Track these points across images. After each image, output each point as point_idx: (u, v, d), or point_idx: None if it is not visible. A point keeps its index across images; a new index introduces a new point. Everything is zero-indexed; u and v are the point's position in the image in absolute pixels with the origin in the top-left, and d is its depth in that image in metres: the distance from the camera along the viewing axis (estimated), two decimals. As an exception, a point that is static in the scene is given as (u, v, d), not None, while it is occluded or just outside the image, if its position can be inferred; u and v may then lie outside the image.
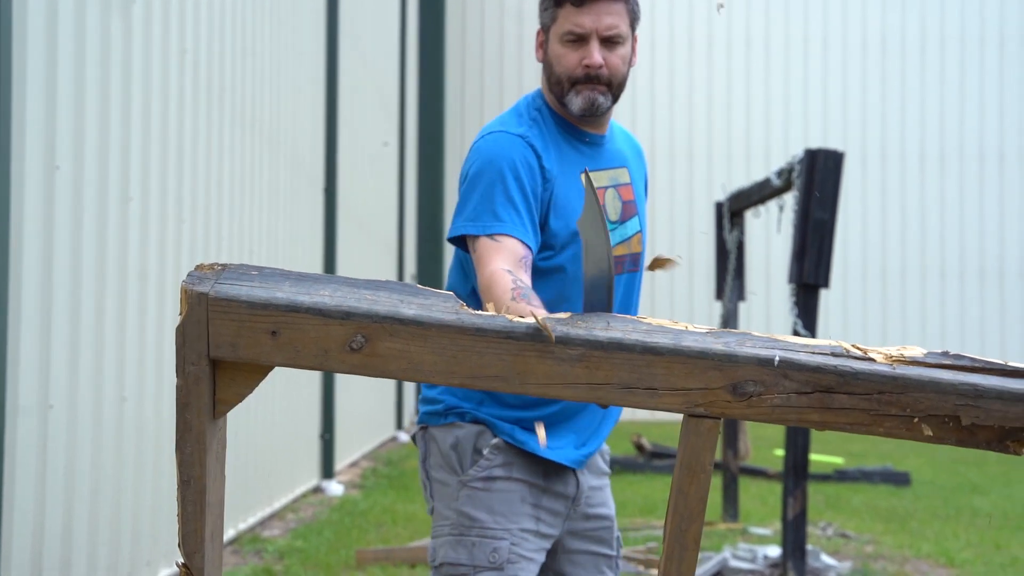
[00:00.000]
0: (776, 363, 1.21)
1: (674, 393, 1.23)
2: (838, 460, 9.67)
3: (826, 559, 5.71)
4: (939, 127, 16.57)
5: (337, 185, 8.99)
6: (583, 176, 1.70)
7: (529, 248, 2.36)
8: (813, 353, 1.22)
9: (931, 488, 8.98)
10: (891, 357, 1.22)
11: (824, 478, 9.06)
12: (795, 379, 1.21)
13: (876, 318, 16.13)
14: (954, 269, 16.40)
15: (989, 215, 16.48)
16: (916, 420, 1.21)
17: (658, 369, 1.23)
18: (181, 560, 1.33)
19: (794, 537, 5.28)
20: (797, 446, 5.34)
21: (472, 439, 2.48)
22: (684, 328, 1.25)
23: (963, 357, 1.21)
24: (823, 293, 5.45)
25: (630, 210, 2.61)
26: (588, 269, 1.49)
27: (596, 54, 2.45)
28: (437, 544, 2.46)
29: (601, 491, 2.65)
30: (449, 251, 16.40)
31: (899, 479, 9.12)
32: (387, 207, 12.51)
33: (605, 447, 2.72)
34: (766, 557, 5.71)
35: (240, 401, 1.25)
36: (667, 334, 1.24)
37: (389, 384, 12.78)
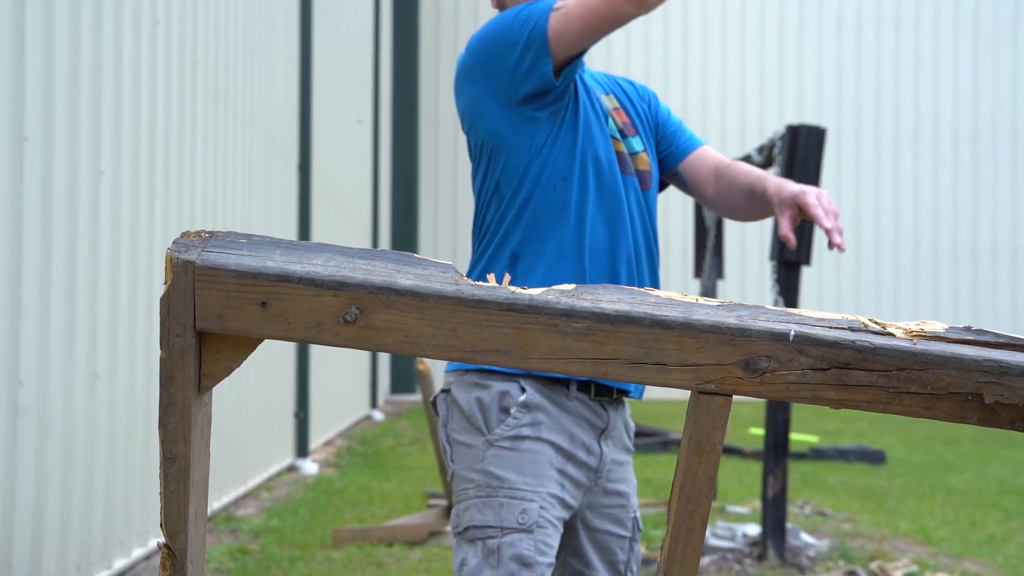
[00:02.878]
0: (791, 338, 1.16)
1: (684, 369, 1.18)
2: (813, 439, 9.69)
3: (805, 537, 5.70)
4: (914, 107, 16.60)
5: (311, 161, 8.90)
6: None
7: None
8: (829, 328, 1.17)
9: (906, 466, 9.00)
10: (911, 332, 1.16)
11: (800, 456, 9.07)
12: (811, 355, 1.16)
13: (849, 296, 16.18)
14: (928, 248, 16.46)
15: (962, 194, 16.54)
16: (936, 398, 1.16)
17: (668, 343, 1.17)
18: (163, 540, 1.26)
19: (774, 515, 5.26)
20: (777, 424, 5.32)
21: (497, 399, 2.37)
22: (694, 301, 1.19)
23: (986, 332, 1.16)
24: (803, 271, 5.43)
25: (630, 129, 2.55)
26: None
27: None
28: (461, 509, 2.35)
29: (622, 467, 2.55)
30: (424, 229, 16.36)
31: (874, 457, 9.15)
32: (361, 184, 12.43)
33: (630, 423, 2.62)
34: (745, 535, 5.69)
35: (227, 375, 1.18)
36: (677, 307, 1.18)
37: (364, 362, 12.73)
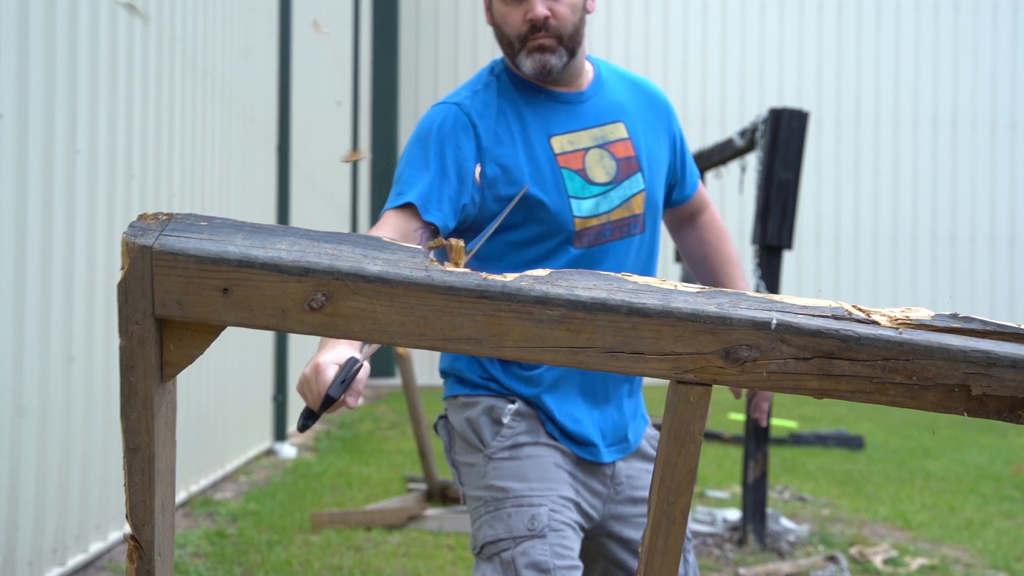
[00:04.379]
0: (773, 326, 1.12)
1: (662, 358, 1.14)
2: (792, 424, 9.69)
3: (785, 522, 5.69)
4: (894, 92, 16.59)
5: (290, 143, 8.83)
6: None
7: (424, 219, 2.21)
8: (812, 315, 1.13)
9: (884, 452, 9.02)
10: (896, 320, 1.13)
11: (779, 442, 9.07)
12: (793, 344, 1.12)
13: (829, 280, 16.19)
14: (907, 234, 16.48)
15: (942, 180, 16.56)
16: (922, 388, 1.13)
17: (646, 332, 1.13)
18: (129, 532, 1.23)
19: (754, 500, 5.25)
20: (757, 410, 5.30)
21: (486, 412, 2.30)
22: (673, 287, 1.16)
23: (973, 320, 1.13)
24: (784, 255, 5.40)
25: (629, 167, 2.37)
26: None
27: (539, 6, 2.26)
28: (475, 529, 2.28)
29: (650, 475, 2.43)
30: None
31: (853, 443, 9.15)
32: (340, 166, 12.35)
33: (653, 432, 2.52)
34: (725, 520, 5.67)
35: (190, 363, 1.14)
36: (655, 294, 1.14)
37: (343, 345, 12.65)
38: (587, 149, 2.35)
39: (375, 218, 14.94)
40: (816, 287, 15.91)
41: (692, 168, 2.61)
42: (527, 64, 2.30)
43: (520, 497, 2.22)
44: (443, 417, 2.44)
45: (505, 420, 2.29)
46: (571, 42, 2.32)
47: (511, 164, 2.29)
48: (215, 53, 6.71)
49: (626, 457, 2.41)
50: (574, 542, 2.23)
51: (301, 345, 9.37)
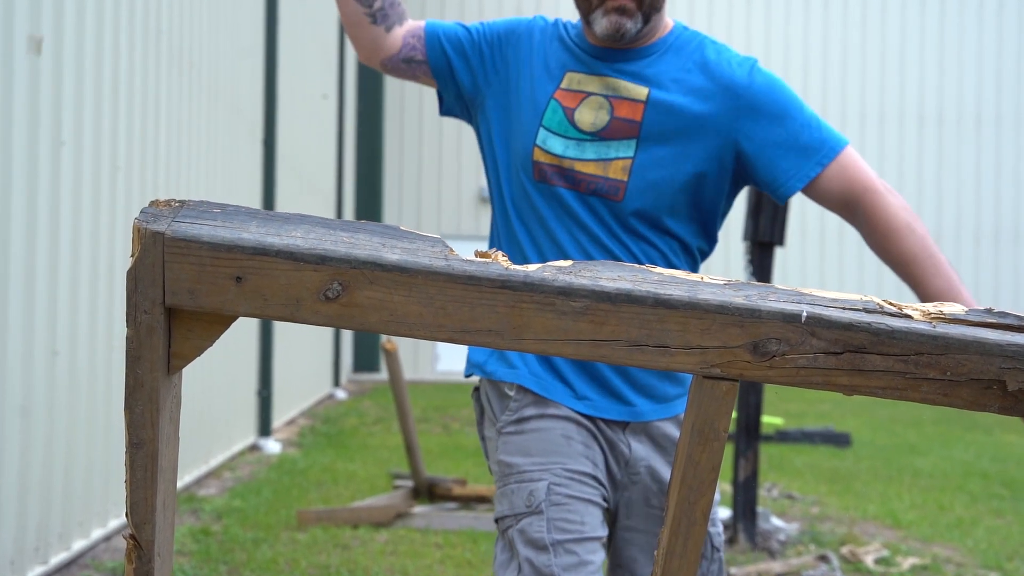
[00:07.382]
0: (803, 319, 1.08)
1: (688, 352, 1.10)
2: (779, 421, 9.68)
3: (775, 521, 5.66)
4: (879, 88, 16.61)
5: (276, 136, 8.77)
6: None
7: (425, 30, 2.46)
8: (843, 309, 1.10)
9: (871, 449, 9.01)
10: (929, 314, 1.09)
11: (766, 439, 9.07)
12: (824, 337, 1.09)
13: (814, 276, 16.20)
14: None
15: (927, 176, 16.59)
16: (956, 384, 1.09)
17: (671, 324, 1.09)
18: (129, 532, 1.18)
19: (745, 499, 5.22)
20: (749, 407, 5.28)
21: (493, 385, 2.25)
22: (700, 279, 1.12)
23: (1008, 315, 1.10)
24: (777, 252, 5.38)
25: (623, 129, 2.20)
26: None
27: None
28: (495, 503, 2.23)
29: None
30: (388, 206, 16.22)
31: (840, 440, 9.16)
32: (326, 160, 12.30)
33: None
34: (714, 518, 5.64)
35: (198, 355, 1.10)
36: (681, 286, 1.10)
37: (327, 341, 12.62)
38: (590, 94, 2.23)
39: (360, 211, 14.91)
40: (801, 283, 15.93)
41: (797, 160, 2.26)
42: (602, 24, 2.18)
43: (522, 472, 2.17)
44: (476, 389, 2.38)
45: (512, 393, 2.23)
46: (650, 8, 2.19)
47: (524, 78, 2.29)
48: (201, 45, 6.65)
49: (640, 439, 2.27)
50: (583, 515, 2.14)
51: (286, 340, 9.31)
